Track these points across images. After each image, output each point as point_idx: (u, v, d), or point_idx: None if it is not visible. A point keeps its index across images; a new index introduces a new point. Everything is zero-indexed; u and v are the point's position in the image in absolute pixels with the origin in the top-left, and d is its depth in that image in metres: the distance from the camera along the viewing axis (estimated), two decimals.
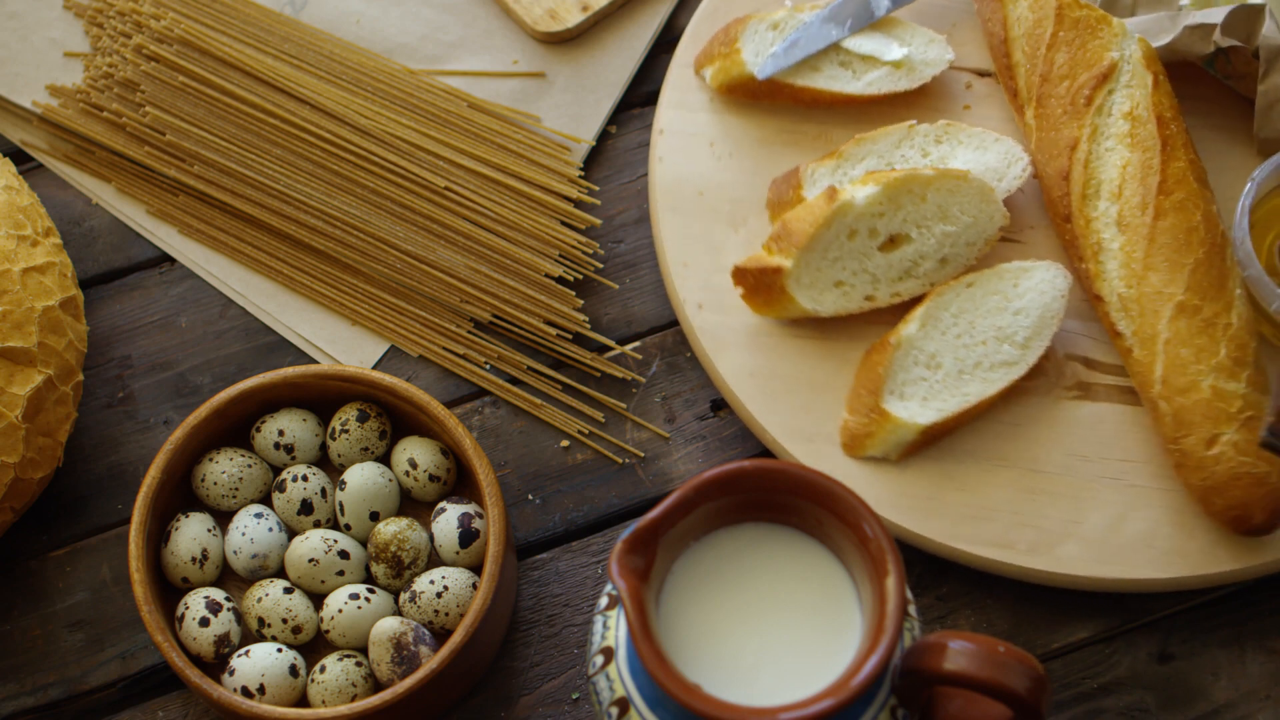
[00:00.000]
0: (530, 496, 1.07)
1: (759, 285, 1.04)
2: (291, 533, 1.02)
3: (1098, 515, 1.00)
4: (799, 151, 1.12)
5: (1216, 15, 1.04)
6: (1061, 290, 1.04)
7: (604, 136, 1.18)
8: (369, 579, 1.01)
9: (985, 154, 1.08)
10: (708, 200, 1.11)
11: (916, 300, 1.05)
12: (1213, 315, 0.99)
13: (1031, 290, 1.03)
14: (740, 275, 1.04)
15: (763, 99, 1.13)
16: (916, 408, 1.00)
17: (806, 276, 1.03)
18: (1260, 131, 1.07)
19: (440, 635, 0.99)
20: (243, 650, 0.98)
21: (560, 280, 1.13)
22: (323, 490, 1.02)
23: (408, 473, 1.02)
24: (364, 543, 1.02)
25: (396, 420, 1.05)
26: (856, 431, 1.02)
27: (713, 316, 1.07)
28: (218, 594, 0.99)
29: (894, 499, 1.01)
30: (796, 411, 1.04)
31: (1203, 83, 1.11)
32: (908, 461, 1.02)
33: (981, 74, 1.14)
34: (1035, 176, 1.08)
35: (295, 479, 1.02)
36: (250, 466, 1.03)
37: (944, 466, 1.02)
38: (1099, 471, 1.02)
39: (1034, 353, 1.02)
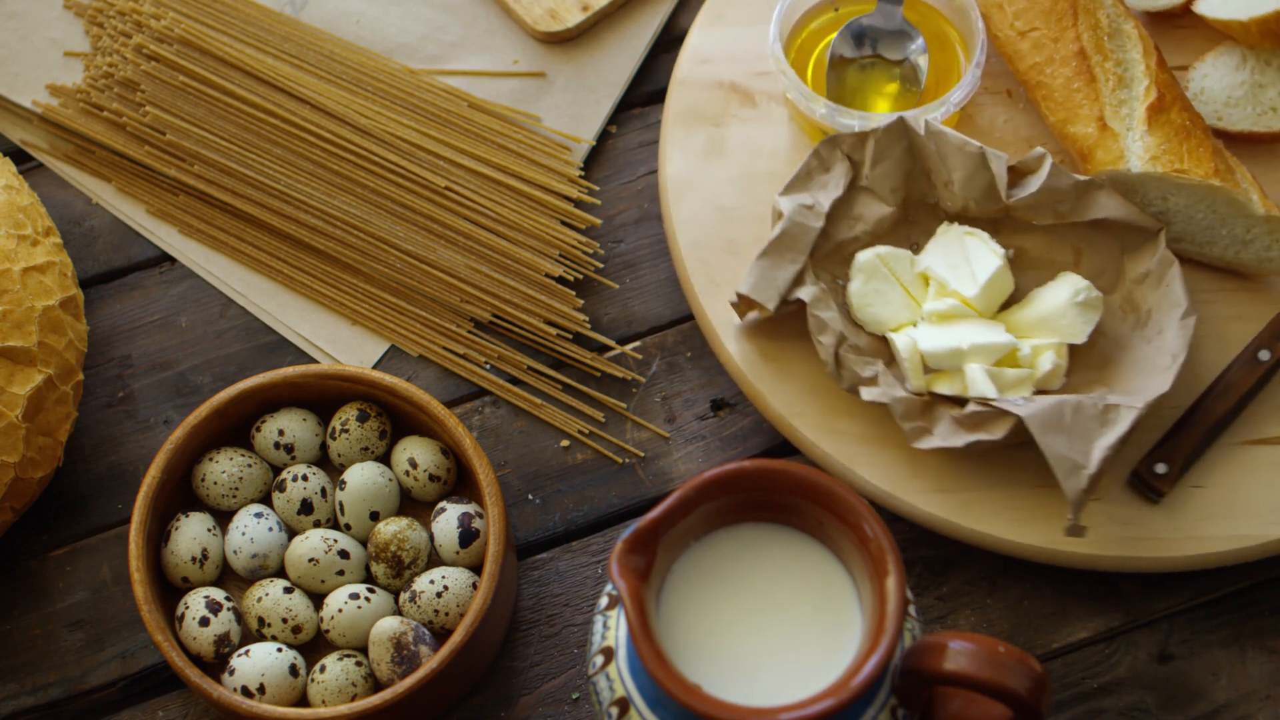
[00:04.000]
0: (530, 496, 1.07)
1: None
2: (291, 532, 1.02)
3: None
4: None
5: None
6: None
7: (604, 136, 1.18)
8: (369, 579, 1.01)
9: None
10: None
11: None
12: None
13: None
14: None
15: None
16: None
17: None
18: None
19: (440, 635, 0.99)
20: (243, 650, 0.98)
21: (560, 280, 1.13)
22: (323, 490, 1.02)
23: (408, 473, 1.02)
24: (364, 543, 1.02)
25: (396, 420, 1.05)
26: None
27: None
28: (218, 594, 0.99)
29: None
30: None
31: None
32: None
33: None
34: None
35: (295, 479, 1.02)
36: (250, 466, 1.03)
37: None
38: None
39: None
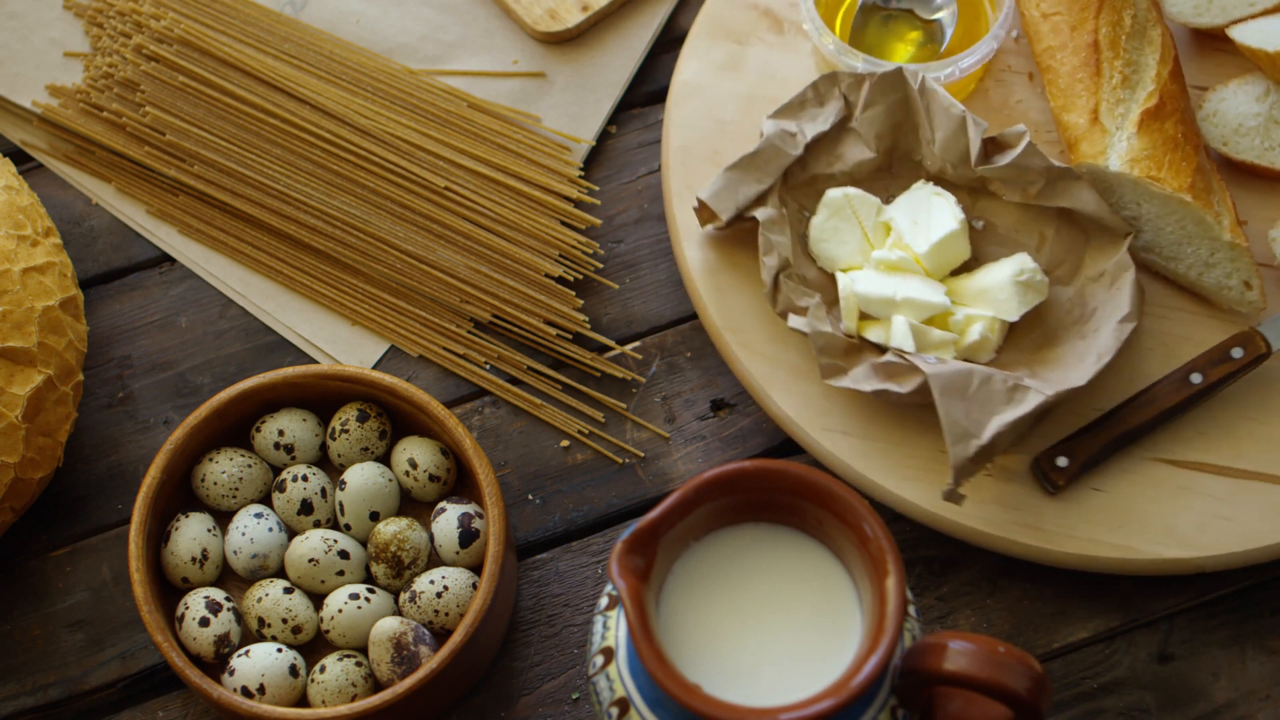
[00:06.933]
0: (530, 496, 1.07)
1: None
2: (291, 533, 1.02)
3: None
4: None
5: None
6: None
7: (604, 136, 1.18)
8: (369, 579, 1.01)
9: None
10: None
11: None
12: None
13: None
14: None
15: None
16: None
17: None
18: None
19: (440, 635, 0.99)
20: (243, 650, 0.98)
21: (560, 280, 1.13)
22: (323, 490, 1.02)
23: (408, 473, 1.02)
24: (364, 543, 1.02)
25: (396, 420, 1.05)
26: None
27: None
28: (218, 594, 0.99)
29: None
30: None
31: None
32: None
33: None
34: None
35: (295, 479, 1.02)
36: (250, 466, 1.03)
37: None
38: None
39: None
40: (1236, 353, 1.02)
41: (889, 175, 1.09)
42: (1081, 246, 1.05)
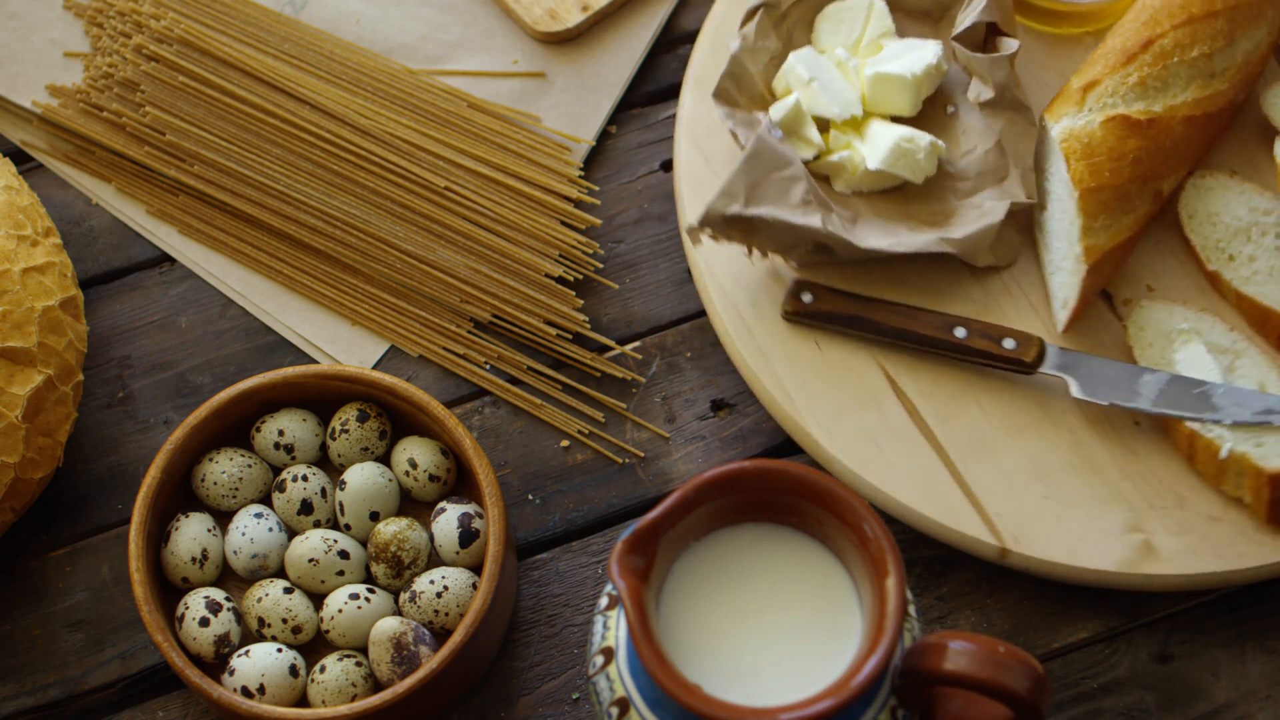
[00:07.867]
0: (530, 496, 1.07)
1: None
2: (291, 533, 1.02)
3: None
4: None
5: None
6: None
7: (604, 136, 1.18)
8: (369, 579, 1.01)
9: None
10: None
11: None
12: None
13: None
14: None
15: None
16: None
17: None
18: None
19: (440, 635, 0.99)
20: (243, 650, 0.98)
21: (560, 280, 1.13)
22: (323, 490, 1.02)
23: (408, 473, 1.02)
24: (364, 543, 1.02)
25: (396, 420, 1.05)
26: None
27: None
28: (218, 594, 0.99)
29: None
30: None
31: None
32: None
33: None
34: None
35: (295, 479, 1.02)
36: (250, 466, 1.03)
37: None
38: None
39: None
40: (1008, 343, 1.02)
41: (931, 26, 1.12)
42: (993, 180, 1.07)
